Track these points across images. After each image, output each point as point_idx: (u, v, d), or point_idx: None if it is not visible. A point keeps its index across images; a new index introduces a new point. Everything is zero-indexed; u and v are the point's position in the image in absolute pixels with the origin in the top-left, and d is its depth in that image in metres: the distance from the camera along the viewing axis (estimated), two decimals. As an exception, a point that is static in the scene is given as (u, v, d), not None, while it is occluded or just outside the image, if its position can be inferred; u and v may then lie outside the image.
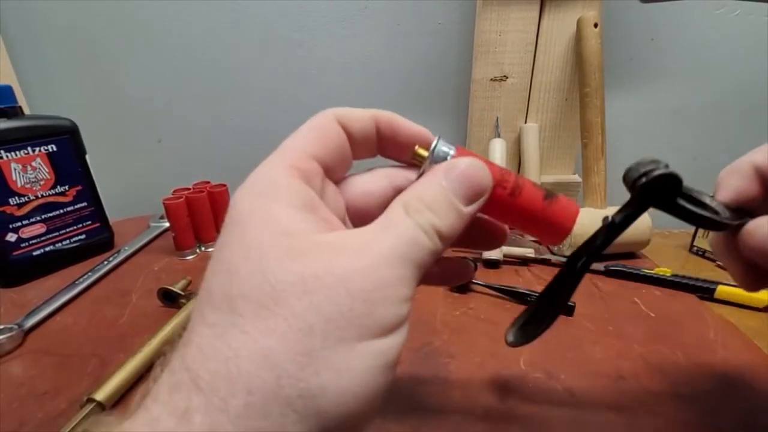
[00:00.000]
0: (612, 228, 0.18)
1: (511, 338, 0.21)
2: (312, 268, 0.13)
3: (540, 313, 0.21)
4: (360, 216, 0.19)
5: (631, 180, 0.18)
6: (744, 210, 0.20)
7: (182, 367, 0.12)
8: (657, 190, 0.17)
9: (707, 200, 0.19)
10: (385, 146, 0.19)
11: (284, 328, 0.12)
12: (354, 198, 0.19)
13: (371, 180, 0.19)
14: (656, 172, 0.17)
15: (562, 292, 0.20)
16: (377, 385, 0.13)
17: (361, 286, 0.13)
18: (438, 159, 0.18)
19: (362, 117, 0.18)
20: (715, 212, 0.19)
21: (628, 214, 0.18)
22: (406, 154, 0.19)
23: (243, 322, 0.12)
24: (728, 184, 0.20)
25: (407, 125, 0.19)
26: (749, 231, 0.18)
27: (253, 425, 0.11)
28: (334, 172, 0.18)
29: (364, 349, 0.13)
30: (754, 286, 0.21)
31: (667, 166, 0.17)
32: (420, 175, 0.18)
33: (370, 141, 0.19)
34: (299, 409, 0.12)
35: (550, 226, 0.19)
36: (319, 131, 0.17)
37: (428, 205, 0.15)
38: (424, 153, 0.18)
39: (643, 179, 0.17)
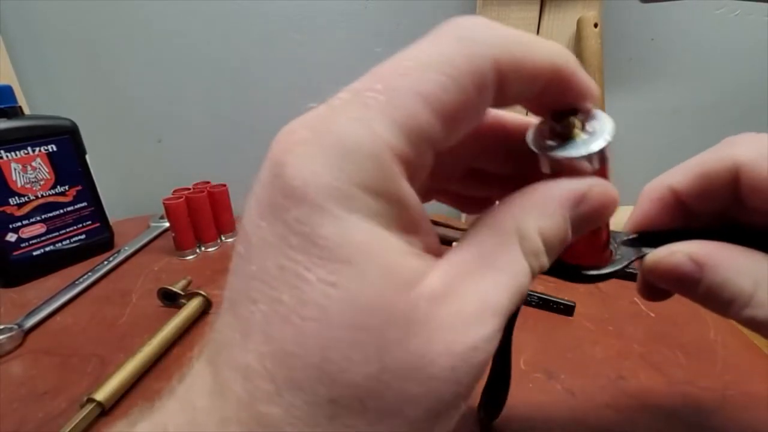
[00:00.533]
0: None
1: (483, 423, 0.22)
2: (411, 353, 0.10)
3: (493, 389, 0.22)
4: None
5: None
6: (646, 235, 0.18)
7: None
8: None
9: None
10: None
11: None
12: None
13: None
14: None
15: (503, 360, 0.20)
16: None
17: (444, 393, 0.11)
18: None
19: (536, 60, 0.12)
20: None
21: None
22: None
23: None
24: (638, 208, 0.19)
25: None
26: (649, 266, 0.16)
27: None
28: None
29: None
30: (652, 299, 0.20)
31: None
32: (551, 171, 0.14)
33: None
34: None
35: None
36: (455, 83, 0.11)
37: (547, 245, 0.12)
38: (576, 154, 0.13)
39: None
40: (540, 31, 0.49)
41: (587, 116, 0.14)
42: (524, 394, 0.28)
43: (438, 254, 0.12)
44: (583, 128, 0.14)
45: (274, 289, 0.10)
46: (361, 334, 0.10)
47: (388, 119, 0.10)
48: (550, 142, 0.14)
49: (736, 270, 0.15)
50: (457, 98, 0.11)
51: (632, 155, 0.59)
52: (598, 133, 0.13)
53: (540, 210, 0.12)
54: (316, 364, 0.10)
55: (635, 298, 0.38)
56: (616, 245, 0.18)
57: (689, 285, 0.15)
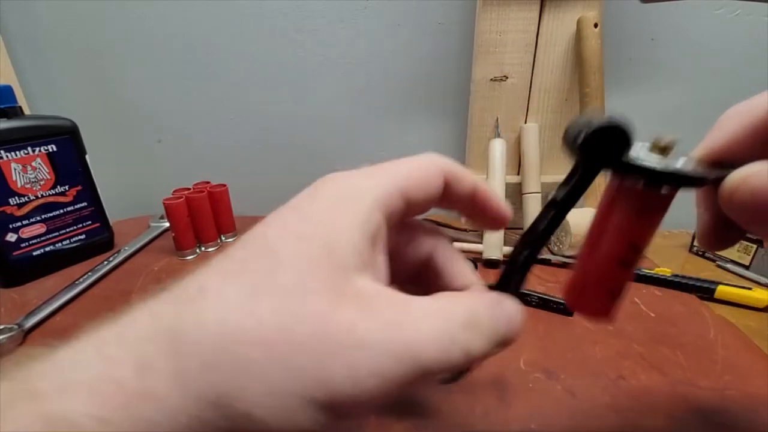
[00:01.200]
0: (555, 206, 0.16)
1: None
2: (338, 318, 0.12)
3: None
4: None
5: (570, 139, 0.15)
6: (724, 164, 0.16)
7: (169, 322, 0.13)
8: (602, 146, 0.14)
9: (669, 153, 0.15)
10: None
11: (276, 351, 0.12)
12: None
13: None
14: (596, 124, 0.14)
15: (509, 290, 0.17)
16: None
17: (361, 365, 0.12)
18: None
19: (466, 181, 0.17)
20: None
21: (573, 185, 0.15)
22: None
23: (249, 319, 0.12)
24: (718, 133, 0.17)
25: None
26: (730, 186, 0.14)
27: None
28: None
29: (315, 415, 0.12)
30: (718, 245, 0.19)
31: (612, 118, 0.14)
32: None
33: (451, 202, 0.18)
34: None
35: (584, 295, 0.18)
36: (420, 175, 0.16)
37: (480, 326, 0.14)
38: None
39: (583, 135, 0.14)
40: (540, 31, 0.49)
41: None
42: (524, 394, 0.28)
43: None
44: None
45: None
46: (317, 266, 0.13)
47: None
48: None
49: None
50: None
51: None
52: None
53: (474, 297, 0.15)
54: None
55: (635, 298, 0.38)
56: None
57: None
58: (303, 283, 0.12)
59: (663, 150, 0.15)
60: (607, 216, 0.17)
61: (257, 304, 0.12)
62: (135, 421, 0.11)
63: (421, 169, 0.16)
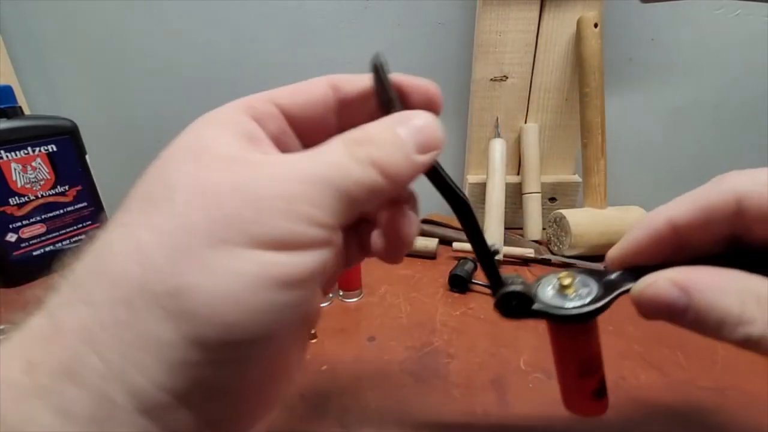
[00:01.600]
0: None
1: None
2: (210, 175, 0.13)
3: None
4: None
5: (494, 298, 0.19)
6: (638, 267, 0.18)
7: (71, 271, 0.13)
8: (508, 306, 0.19)
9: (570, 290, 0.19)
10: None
11: (164, 223, 0.12)
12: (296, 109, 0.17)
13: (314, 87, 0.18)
14: (501, 292, 0.19)
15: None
16: (263, 300, 0.12)
17: (257, 194, 0.12)
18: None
19: (356, 81, 0.18)
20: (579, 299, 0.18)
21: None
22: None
23: (129, 219, 0.13)
24: (631, 237, 0.18)
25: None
26: (635, 299, 0.17)
27: (115, 316, 0.11)
28: (307, 129, 0.17)
29: (249, 256, 0.12)
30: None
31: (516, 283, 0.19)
32: None
33: (362, 106, 0.18)
34: (167, 305, 0.11)
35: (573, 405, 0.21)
36: (297, 85, 0.17)
37: (372, 139, 0.14)
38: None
39: (495, 299, 0.19)
40: (540, 31, 0.49)
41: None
42: (524, 394, 0.28)
43: None
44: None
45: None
46: (154, 169, 0.14)
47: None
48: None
49: (720, 290, 0.15)
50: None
51: (632, 155, 0.59)
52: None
53: (366, 126, 0.15)
54: None
55: (635, 298, 0.38)
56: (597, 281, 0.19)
57: (678, 312, 0.15)
58: (175, 169, 0.13)
59: (564, 289, 0.19)
60: (554, 344, 0.21)
61: (140, 208, 0.13)
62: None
63: (300, 83, 0.17)
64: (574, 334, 0.20)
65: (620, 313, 0.37)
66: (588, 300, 0.18)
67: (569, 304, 0.18)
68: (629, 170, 0.60)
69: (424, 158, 0.15)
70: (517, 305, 0.19)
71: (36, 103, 0.60)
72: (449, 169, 0.19)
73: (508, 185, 0.51)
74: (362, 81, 0.18)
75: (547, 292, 0.19)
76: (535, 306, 0.18)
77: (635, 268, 0.18)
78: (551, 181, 0.54)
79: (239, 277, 0.12)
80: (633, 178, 0.60)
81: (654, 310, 0.16)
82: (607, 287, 0.18)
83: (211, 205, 0.12)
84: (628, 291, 0.17)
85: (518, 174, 0.55)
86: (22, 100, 0.53)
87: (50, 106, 0.60)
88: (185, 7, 0.56)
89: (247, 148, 0.14)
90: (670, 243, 0.18)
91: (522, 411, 0.27)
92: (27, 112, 0.44)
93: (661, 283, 0.15)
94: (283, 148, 0.17)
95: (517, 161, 0.55)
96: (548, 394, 0.28)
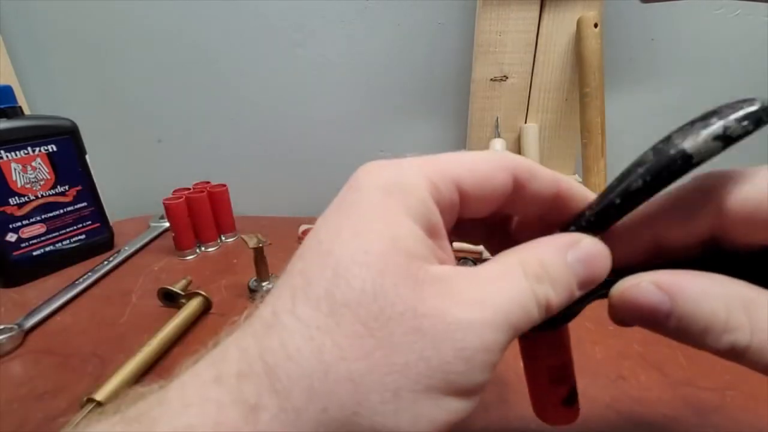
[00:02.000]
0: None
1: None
2: (426, 307, 0.12)
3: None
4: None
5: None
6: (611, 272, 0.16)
7: (258, 356, 0.12)
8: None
9: None
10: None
11: (380, 357, 0.12)
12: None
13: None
14: None
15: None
16: None
17: (466, 344, 0.12)
18: None
19: (544, 179, 0.16)
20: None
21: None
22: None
23: (339, 336, 0.12)
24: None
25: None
26: (615, 301, 0.15)
27: None
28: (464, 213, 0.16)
29: (445, 404, 0.12)
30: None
31: None
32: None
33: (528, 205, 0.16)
34: None
35: (543, 411, 0.21)
36: (477, 165, 0.15)
37: (548, 272, 0.14)
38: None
39: None
40: (540, 31, 0.49)
41: None
42: (524, 393, 0.28)
43: None
44: None
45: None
46: (361, 269, 0.12)
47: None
48: None
49: (705, 294, 0.14)
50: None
51: (632, 155, 0.59)
52: None
53: (539, 250, 0.14)
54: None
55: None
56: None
57: (660, 318, 0.14)
58: (378, 281, 0.12)
59: None
60: (522, 351, 0.21)
61: (337, 317, 0.12)
62: None
63: (482, 161, 0.15)
64: (543, 342, 0.19)
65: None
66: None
67: None
68: (629, 170, 0.60)
69: (581, 294, 0.15)
70: None
71: (36, 103, 0.60)
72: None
73: (508, 185, 0.51)
74: (552, 181, 0.16)
75: None
76: None
77: (611, 271, 0.17)
78: (551, 181, 0.54)
79: (433, 424, 0.12)
80: (633, 178, 0.60)
81: (634, 314, 0.15)
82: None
83: (426, 347, 0.12)
84: (602, 296, 0.16)
85: (518, 174, 0.55)
86: (22, 100, 0.53)
87: (50, 106, 0.60)
88: (185, 7, 0.56)
89: (432, 248, 0.14)
90: (644, 249, 0.17)
91: (522, 410, 0.27)
92: (27, 112, 0.44)
93: (645, 285, 0.14)
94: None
95: (517, 161, 0.55)
96: (548, 394, 0.28)
